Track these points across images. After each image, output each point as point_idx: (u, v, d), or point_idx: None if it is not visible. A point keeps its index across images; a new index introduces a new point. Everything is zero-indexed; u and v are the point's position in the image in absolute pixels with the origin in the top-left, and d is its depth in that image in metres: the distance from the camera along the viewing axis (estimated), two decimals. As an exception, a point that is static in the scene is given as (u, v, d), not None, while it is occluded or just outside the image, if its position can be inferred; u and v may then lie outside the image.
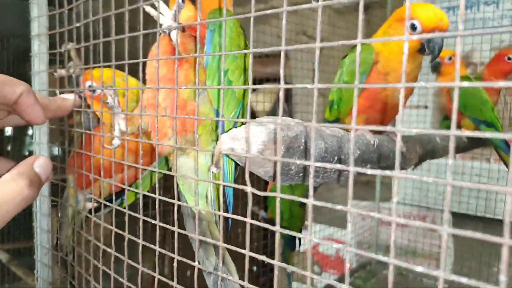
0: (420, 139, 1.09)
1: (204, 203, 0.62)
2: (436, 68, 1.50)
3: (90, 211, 0.81)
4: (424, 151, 1.09)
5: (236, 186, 0.49)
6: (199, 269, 0.54)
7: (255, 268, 2.41)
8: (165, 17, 0.59)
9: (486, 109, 1.38)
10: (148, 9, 0.61)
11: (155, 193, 0.60)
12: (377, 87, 0.87)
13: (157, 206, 0.58)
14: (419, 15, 0.76)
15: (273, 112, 2.40)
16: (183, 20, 0.60)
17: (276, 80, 2.32)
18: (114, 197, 0.73)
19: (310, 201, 0.41)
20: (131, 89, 0.64)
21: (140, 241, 0.61)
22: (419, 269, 0.35)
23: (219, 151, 0.51)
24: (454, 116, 0.32)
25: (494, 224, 2.02)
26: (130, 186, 0.84)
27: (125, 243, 0.65)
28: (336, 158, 0.68)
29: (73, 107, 0.71)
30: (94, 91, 0.78)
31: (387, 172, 0.37)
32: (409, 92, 0.92)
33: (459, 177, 2.13)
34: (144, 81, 0.73)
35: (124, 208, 0.64)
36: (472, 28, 2.07)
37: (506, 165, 1.48)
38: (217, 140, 0.62)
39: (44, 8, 0.90)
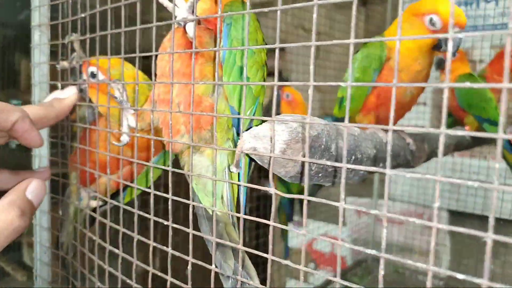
0: (428, 137, 1.08)
1: (220, 203, 0.60)
2: (440, 65, 1.48)
3: (94, 209, 0.78)
4: (430, 149, 1.07)
5: (260, 187, 0.47)
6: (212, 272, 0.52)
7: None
8: (180, 8, 0.56)
9: (489, 107, 1.37)
10: (162, 0, 0.58)
11: (156, 190, 0.58)
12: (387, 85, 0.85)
13: (170, 207, 0.56)
14: (440, 10, 0.74)
15: (269, 106, 2.37)
16: (199, 12, 0.57)
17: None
18: (121, 195, 0.71)
19: (305, 197, 0.41)
20: (141, 83, 0.61)
21: (151, 243, 0.59)
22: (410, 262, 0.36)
23: (241, 150, 0.48)
24: (444, 115, 0.33)
25: (487, 221, 2.02)
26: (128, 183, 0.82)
27: (134, 244, 0.62)
28: (353, 157, 0.66)
29: (72, 105, 0.69)
30: (94, 76, 0.75)
31: (374, 168, 0.38)
32: (421, 90, 0.90)
33: (457, 174, 2.13)
34: (154, 75, 0.70)
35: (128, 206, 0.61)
36: (473, 26, 2.06)
37: (508, 163, 1.48)
38: (232, 138, 0.60)
39: (46, -3, 0.87)
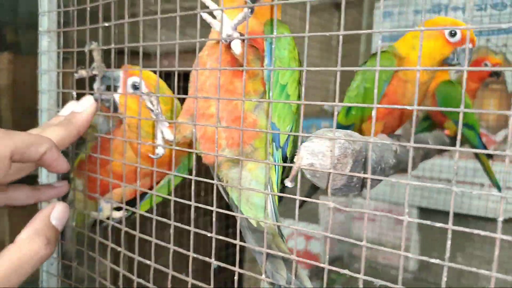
0: (420, 141, 1.14)
1: (262, 214, 0.62)
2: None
3: (117, 220, 0.78)
4: (424, 151, 1.14)
5: (320, 201, 0.49)
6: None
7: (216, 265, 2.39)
8: (225, 25, 0.57)
9: (468, 112, 1.46)
10: (205, 16, 0.59)
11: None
12: (398, 94, 0.90)
13: (214, 220, 0.57)
14: (459, 24, 0.82)
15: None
16: (241, 30, 0.59)
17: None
18: (138, 203, 0.71)
19: (269, 192, 0.43)
20: (179, 97, 0.62)
21: (171, 246, 0.60)
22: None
23: (299, 166, 0.51)
24: (413, 123, 0.40)
25: (461, 218, 2.15)
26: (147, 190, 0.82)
27: (152, 249, 0.63)
28: (379, 167, 0.70)
29: (92, 117, 0.67)
30: (136, 88, 0.74)
31: (358, 174, 0.46)
32: (423, 99, 0.96)
33: (427, 173, 2.25)
34: (184, 88, 0.71)
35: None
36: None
37: (482, 163, 1.59)
38: (272, 153, 0.62)
39: (55, 2, 0.85)
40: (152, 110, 0.64)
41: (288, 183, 0.53)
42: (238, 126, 0.59)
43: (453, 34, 0.82)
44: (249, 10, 0.54)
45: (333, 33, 0.47)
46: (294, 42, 0.62)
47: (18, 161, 0.51)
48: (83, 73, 0.77)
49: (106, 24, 0.72)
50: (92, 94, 0.73)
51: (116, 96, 0.74)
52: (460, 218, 2.14)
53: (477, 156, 1.60)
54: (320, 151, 0.52)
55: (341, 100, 1.06)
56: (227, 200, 0.69)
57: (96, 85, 0.78)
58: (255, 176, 0.62)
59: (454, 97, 1.46)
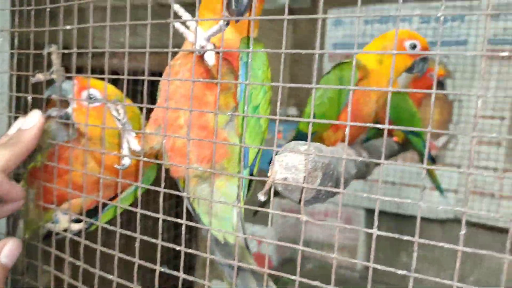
0: (373, 149, 1.20)
1: (231, 229, 0.62)
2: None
3: (74, 232, 0.74)
4: (377, 158, 1.19)
5: (291, 214, 0.50)
6: None
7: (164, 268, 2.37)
8: (199, 36, 0.56)
9: (414, 120, 1.55)
10: (178, 26, 0.58)
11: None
12: (360, 103, 0.93)
13: (183, 232, 0.56)
14: (418, 37, 0.88)
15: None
16: (218, 44, 0.58)
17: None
18: (100, 213, 0.69)
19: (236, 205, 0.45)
20: (148, 107, 0.60)
21: (136, 260, 0.59)
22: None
23: (273, 180, 0.51)
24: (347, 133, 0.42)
25: (402, 219, 2.27)
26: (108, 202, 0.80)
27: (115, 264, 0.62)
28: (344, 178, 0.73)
29: (40, 132, 0.65)
30: (92, 98, 0.72)
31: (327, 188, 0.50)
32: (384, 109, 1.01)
33: (383, 177, 2.35)
34: (152, 97, 0.69)
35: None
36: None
37: (428, 171, 1.69)
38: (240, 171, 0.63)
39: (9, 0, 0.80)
40: (119, 120, 0.62)
41: (261, 196, 0.54)
42: (209, 142, 0.59)
43: (413, 46, 0.88)
44: (225, 22, 0.54)
45: (311, 51, 0.48)
46: (268, 62, 0.63)
47: None
48: (40, 77, 0.73)
49: (69, 27, 0.69)
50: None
51: (70, 110, 0.71)
52: (404, 219, 2.26)
53: (421, 160, 1.70)
54: (293, 165, 0.53)
55: (304, 109, 1.08)
56: (193, 214, 0.69)
57: (47, 92, 0.74)
58: (224, 193, 0.63)
59: (403, 106, 1.54)
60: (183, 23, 0.58)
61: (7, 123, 0.83)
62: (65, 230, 0.72)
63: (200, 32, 0.57)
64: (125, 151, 0.64)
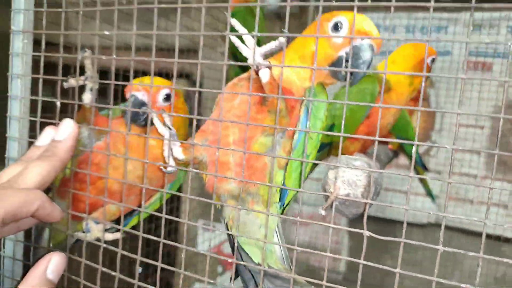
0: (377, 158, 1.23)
1: (272, 255, 0.64)
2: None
3: (109, 242, 0.73)
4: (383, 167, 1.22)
5: (350, 229, 0.52)
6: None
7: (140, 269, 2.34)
8: (256, 53, 0.57)
9: (409, 128, 1.60)
10: (234, 39, 0.58)
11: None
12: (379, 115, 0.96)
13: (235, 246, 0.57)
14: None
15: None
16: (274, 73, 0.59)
17: (182, 76, 2.27)
18: (122, 219, 0.68)
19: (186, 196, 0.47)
20: (198, 118, 0.60)
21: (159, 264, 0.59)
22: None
23: (336, 196, 0.53)
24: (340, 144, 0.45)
25: (384, 222, 2.32)
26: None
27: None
28: (378, 189, 0.75)
29: (75, 144, 0.63)
30: (168, 99, 0.72)
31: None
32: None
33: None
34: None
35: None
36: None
37: (417, 173, 1.74)
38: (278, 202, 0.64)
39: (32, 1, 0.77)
40: (170, 129, 0.61)
41: (322, 211, 0.55)
42: (252, 167, 0.60)
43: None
44: (285, 39, 0.55)
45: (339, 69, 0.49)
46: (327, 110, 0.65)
47: (10, 222, 0.51)
48: (73, 82, 0.71)
49: (107, 32, 0.67)
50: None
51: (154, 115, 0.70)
52: (387, 223, 2.32)
53: (414, 167, 1.75)
54: (353, 181, 0.54)
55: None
56: (231, 238, 0.69)
57: (86, 97, 0.72)
58: (263, 221, 0.64)
59: (401, 115, 1.59)
60: (239, 37, 0.58)
61: (27, 128, 0.80)
62: (98, 240, 0.70)
63: (257, 48, 0.58)
64: (170, 161, 0.63)
